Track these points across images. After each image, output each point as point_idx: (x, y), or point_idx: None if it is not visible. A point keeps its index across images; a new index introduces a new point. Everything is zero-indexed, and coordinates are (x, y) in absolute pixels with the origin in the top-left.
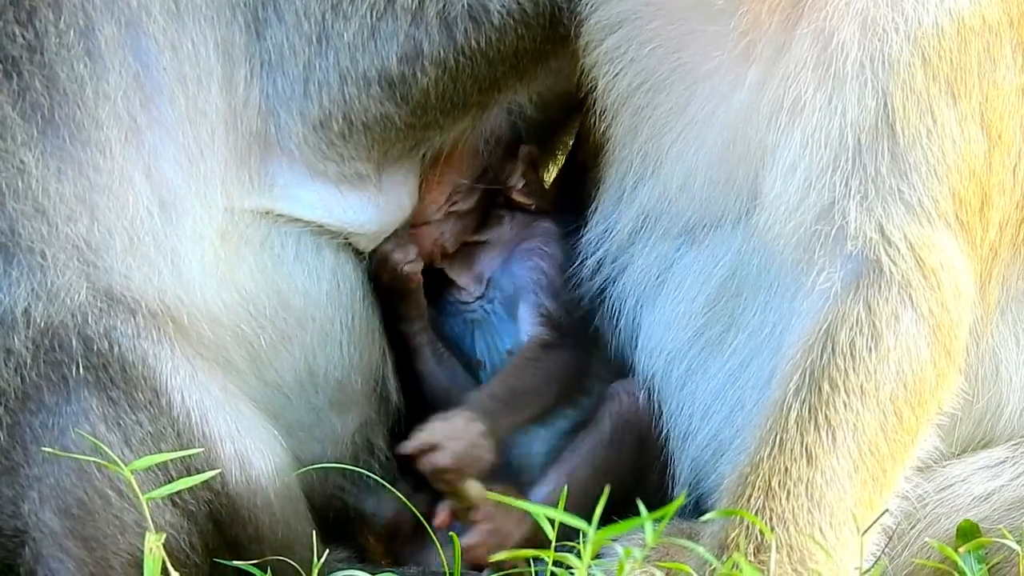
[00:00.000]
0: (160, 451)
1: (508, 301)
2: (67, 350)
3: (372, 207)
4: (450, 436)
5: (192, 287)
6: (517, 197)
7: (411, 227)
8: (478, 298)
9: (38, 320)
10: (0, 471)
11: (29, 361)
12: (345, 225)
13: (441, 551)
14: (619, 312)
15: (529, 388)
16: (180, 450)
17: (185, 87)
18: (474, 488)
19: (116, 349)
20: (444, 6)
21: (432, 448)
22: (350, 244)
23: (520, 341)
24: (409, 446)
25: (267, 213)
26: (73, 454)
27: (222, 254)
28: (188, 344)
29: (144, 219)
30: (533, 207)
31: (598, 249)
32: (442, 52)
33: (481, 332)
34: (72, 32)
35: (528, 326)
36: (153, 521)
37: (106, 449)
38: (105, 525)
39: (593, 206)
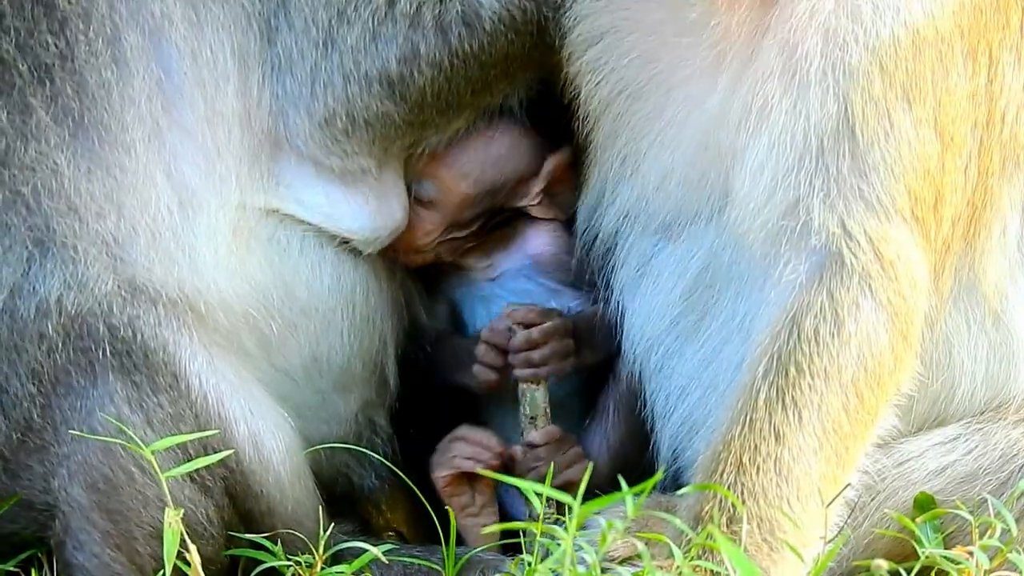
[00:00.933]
0: (179, 431)
1: (516, 296)
2: (94, 337)
3: (366, 214)
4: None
5: (207, 278)
6: (537, 213)
7: (404, 248)
8: (490, 280)
9: (69, 308)
10: (32, 449)
11: (60, 346)
12: (341, 230)
13: (438, 525)
14: (610, 303)
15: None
16: (198, 430)
17: (204, 91)
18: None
19: (139, 337)
20: (440, 12)
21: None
22: (350, 243)
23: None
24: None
25: (274, 211)
26: (99, 435)
27: (234, 248)
28: (205, 332)
29: (164, 216)
30: (554, 218)
31: (585, 245)
32: (437, 54)
33: (484, 307)
34: (100, 40)
35: (567, 298)
36: (173, 496)
37: (129, 431)
38: (129, 499)
39: (586, 206)
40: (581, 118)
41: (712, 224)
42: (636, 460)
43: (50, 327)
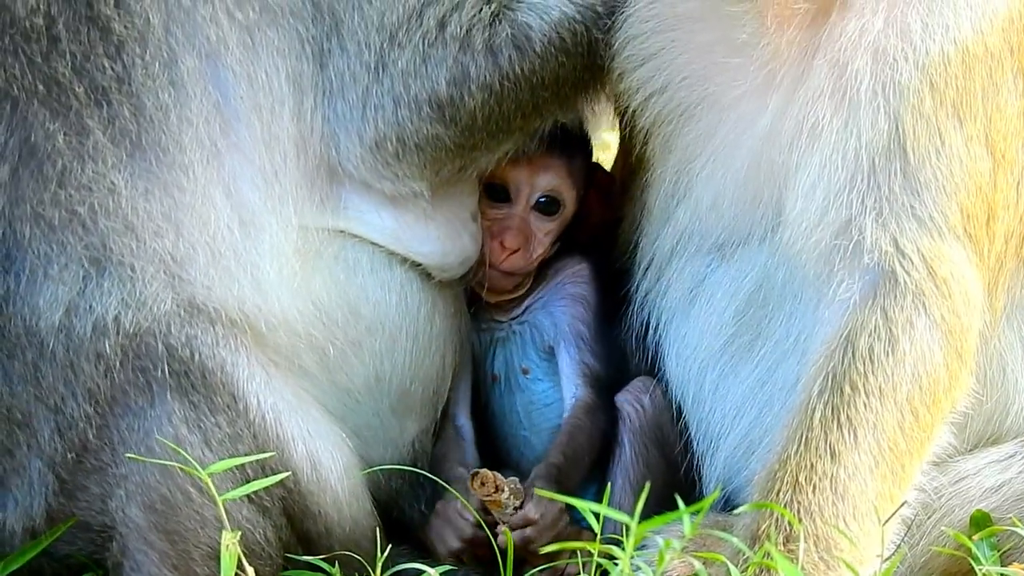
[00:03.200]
0: (237, 451)
1: (539, 333)
2: (152, 357)
3: (434, 238)
4: (544, 520)
5: (269, 297)
6: (581, 233)
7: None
8: (511, 319)
9: (127, 327)
10: (89, 470)
11: (118, 366)
12: (411, 252)
13: (497, 550)
14: (656, 324)
15: (583, 452)
16: (256, 450)
17: (260, 114)
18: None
19: (197, 356)
20: (490, 35)
21: (527, 524)
22: (421, 266)
23: (544, 374)
24: (512, 521)
25: (342, 232)
26: (157, 456)
27: (297, 267)
28: (263, 352)
29: (225, 235)
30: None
31: (645, 267)
32: (488, 77)
33: (502, 349)
34: (157, 64)
35: (572, 385)
36: (231, 517)
37: (186, 452)
38: (187, 520)
39: (637, 227)
40: (634, 135)
41: (765, 244)
42: (664, 491)
43: (107, 346)
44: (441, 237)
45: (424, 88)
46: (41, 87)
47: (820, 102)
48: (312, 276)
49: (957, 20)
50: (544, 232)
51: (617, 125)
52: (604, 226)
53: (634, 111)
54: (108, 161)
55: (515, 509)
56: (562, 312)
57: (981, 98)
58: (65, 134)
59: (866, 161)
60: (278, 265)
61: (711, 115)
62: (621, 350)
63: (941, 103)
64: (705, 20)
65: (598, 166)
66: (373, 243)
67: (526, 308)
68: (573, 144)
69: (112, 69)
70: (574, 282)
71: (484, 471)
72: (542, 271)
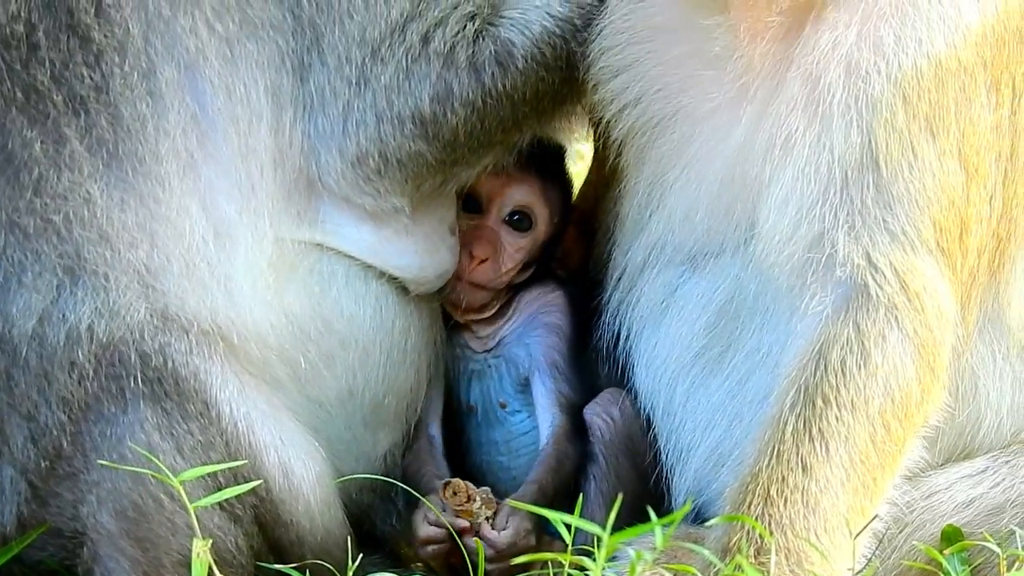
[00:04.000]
0: (210, 459)
1: (514, 366)
2: (125, 365)
3: (412, 252)
4: (516, 531)
5: (242, 310)
6: (557, 268)
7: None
8: (485, 351)
9: (100, 336)
10: (61, 476)
11: (91, 374)
12: (389, 267)
13: (468, 560)
14: (628, 335)
15: (562, 481)
16: (228, 458)
17: (238, 127)
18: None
19: (170, 364)
20: (473, 52)
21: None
22: (397, 280)
23: (522, 405)
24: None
25: (318, 245)
26: (129, 463)
27: (271, 280)
28: (236, 361)
29: (199, 247)
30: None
31: (618, 277)
32: (471, 94)
33: (478, 381)
34: (136, 74)
35: (548, 414)
36: (202, 524)
37: (159, 459)
38: (158, 527)
39: (611, 238)
40: (608, 146)
41: (738, 256)
42: (635, 503)
43: (80, 355)
44: (419, 251)
45: (407, 104)
46: (20, 94)
47: (793, 115)
48: (286, 288)
49: (930, 34)
50: (515, 248)
51: (591, 136)
52: (582, 264)
53: (608, 122)
54: (84, 170)
55: (487, 519)
56: (537, 343)
57: (954, 112)
58: (42, 142)
59: (839, 174)
60: (252, 278)
61: (685, 127)
62: (594, 375)
63: (914, 117)
64: (679, 32)
65: (576, 207)
66: (349, 256)
67: (500, 340)
68: (550, 167)
69: (91, 78)
70: (548, 311)
71: (456, 481)
72: (516, 300)
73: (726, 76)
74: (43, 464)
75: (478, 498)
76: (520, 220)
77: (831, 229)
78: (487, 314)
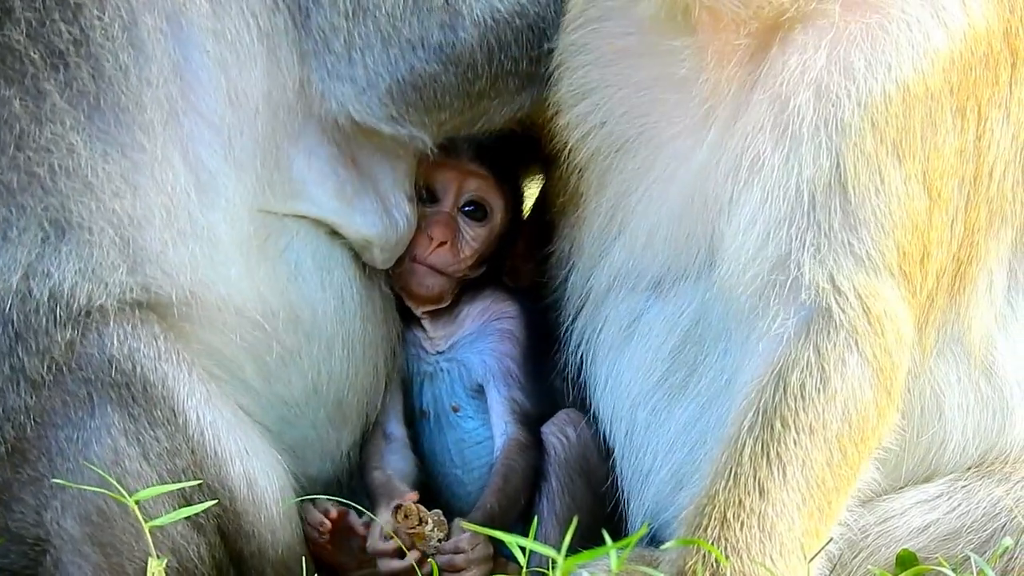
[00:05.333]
0: (175, 466)
1: (467, 371)
2: (94, 369)
3: (373, 213)
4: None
5: (221, 269)
6: (507, 279)
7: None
8: (438, 353)
9: (81, 299)
10: (25, 481)
11: (62, 368)
12: (355, 228)
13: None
14: (590, 360)
15: (518, 493)
16: (194, 466)
17: (227, 72)
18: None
19: (139, 369)
20: None
21: (456, 552)
22: (356, 264)
23: (475, 412)
24: (445, 547)
25: (288, 215)
26: (96, 465)
27: (251, 234)
28: (205, 362)
29: (182, 198)
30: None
31: (579, 304)
32: (480, 10)
33: (430, 384)
34: (116, 25)
35: (502, 422)
36: (165, 532)
37: (124, 464)
38: (121, 533)
39: (568, 263)
40: (568, 171)
41: (701, 280)
42: (590, 524)
43: (60, 321)
44: (379, 211)
45: (414, 28)
46: None
47: (760, 136)
48: (259, 265)
49: (899, 59)
50: (472, 236)
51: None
52: (531, 279)
53: (572, 147)
54: (66, 123)
55: (439, 541)
56: (491, 350)
57: (920, 137)
58: (21, 99)
59: (807, 196)
60: (232, 234)
61: (648, 150)
62: (550, 387)
63: (882, 141)
64: (644, 56)
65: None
66: (317, 235)
67: (453, 344)
68: (502, 164)
69: (69, 32)
70: (501, 319)
71: (408, 504)
72: (469, 306)
73: (691, 100)
74: (3, 450)
75: (430, 520)
76: (475, 210)
77: (797, 251)
78: (442, 305)
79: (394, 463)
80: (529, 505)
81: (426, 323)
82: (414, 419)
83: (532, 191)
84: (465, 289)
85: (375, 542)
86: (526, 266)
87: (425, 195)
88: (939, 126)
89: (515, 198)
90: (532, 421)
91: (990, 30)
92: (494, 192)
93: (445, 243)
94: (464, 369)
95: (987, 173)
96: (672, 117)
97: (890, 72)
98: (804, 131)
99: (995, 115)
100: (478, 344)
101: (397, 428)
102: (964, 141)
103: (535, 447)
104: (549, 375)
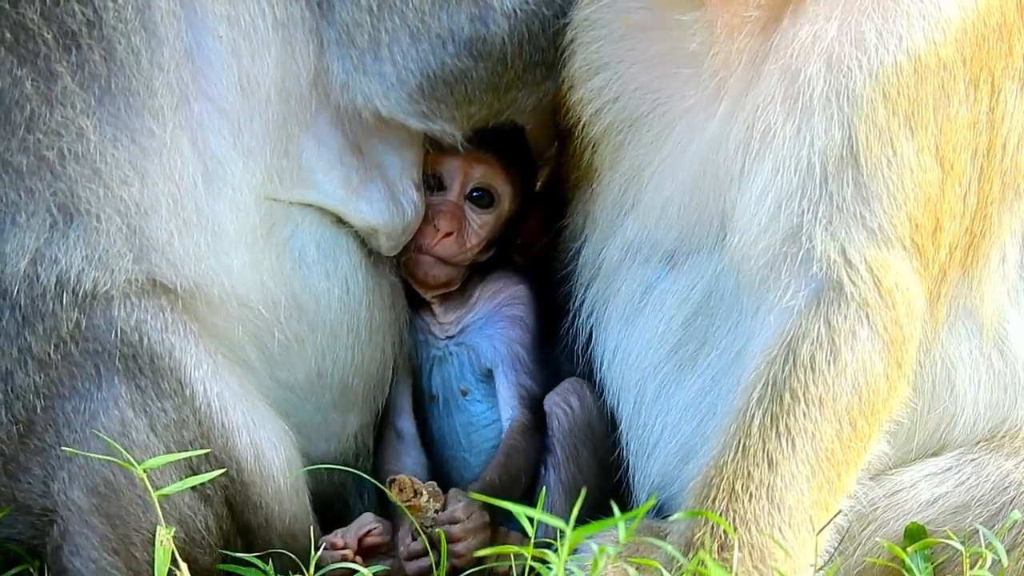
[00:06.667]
0: (182, 438)
1: (476, 355)
2: (101, 340)
3: (380, 201)
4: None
5: (225, 259)
6: (517, 257)
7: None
8: (448, 337)
9: (87, 287)
10: (32, 451)
11: (69, 342)
12: (361, 215)
13: (430, 549)
14: (600, 332)
15: (519, 472)
16: (200, 438)
17: (239, 59)
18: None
19: (146, 341)
20: None
21: (452, 523)
22: (363, 251)
23: (483, 396)
24: (441, 518)
25: (293, 204)
26: (104, 435)
27: (257, 224)
28: (210, 340)
29: (189, 187)
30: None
31: (591, 276)
32: (511, 4)
33: (439, 369)
34: (129, 7)
35: (508, 407)
36: (172, 504)
37: (132, 436)
38: (129, 504)
39: (581, 237)
40: (582, 146)
41: (715, 253)
42: (596, 493)
43: (65, 309)
44: (386, 199)
45: (443, 22)
46: (8, 34)
47: (771, 108)
48: (264, 254)
49: (911, 30)
50: (479, 224)
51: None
52: (544, 255)
53: (585, 122)
54: (77, 106)
55: (436, 512)
56: (500, 335)
57: (932, 109)
58: (33, 80)
59: (818, 169)
60: (238, 224)
61: (660, 125)
62: (557, 366)
63: (894, 113)
64: (655, 30)
65: (539, 195)
66: (323, 225)
67: (463, 328)
68: (510, 147)
69: (83, 13)
70: (512, 304)
71: (401, 477)
72: (479, 289)
73: (703, 73)
74: (14, 430)
75: (424, 492)
76: (482, 196)
77: (809, 224)
78: (451, 289)
79: (409, 465)
80: (532, 487)
81: (436, 307)
82: (423, 403)
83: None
84: (475, 270)
85: (408, 544)
86: (538, 245)
87: (432, 183)
88: (952, 97)
89: (524, 175)
90: (539, 405)
91: (1004, 0)
92: (501, 178)
93: (451, 233)
94: (473, 353)
95: (1000, 145)
96: (684, 91)
97: (901, 43)
98: (815, 102)
99: (1009, 87)
100: (488, 329)
101: (407, 423)
102: (977, 113)
103: (540, 430)
104: (558, 356)
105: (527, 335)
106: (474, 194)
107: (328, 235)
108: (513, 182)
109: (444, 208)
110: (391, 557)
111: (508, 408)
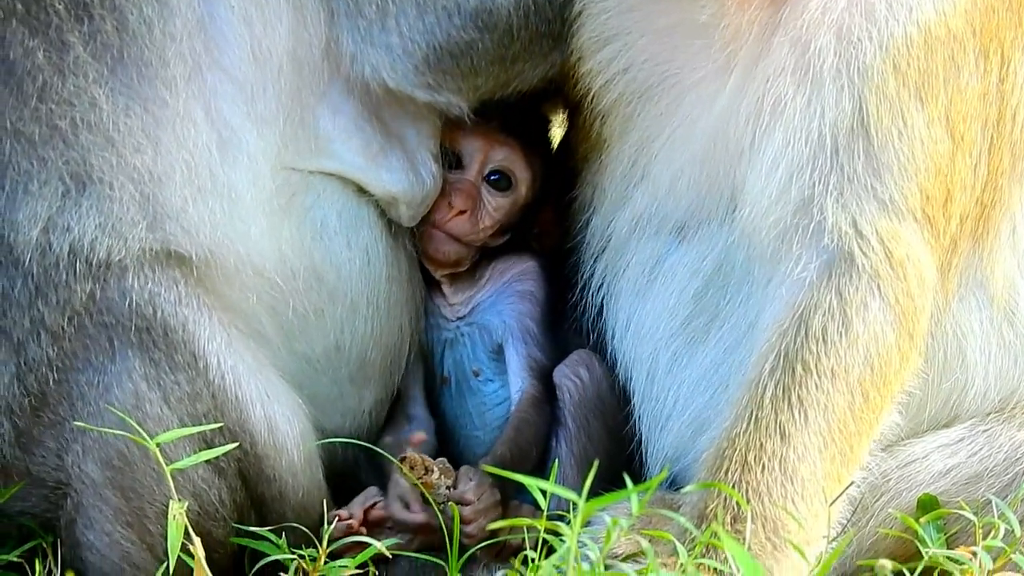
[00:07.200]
0: (196, 411)
1: (487, 333)
2: (115, 313)
3: (399, 170)
4: (479, 505)
5: (240, 227)
6: (534, 243)
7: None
8: (458, 318)
9: (101, 255)
10: (46, 425)
11: (83, 314)
12: (381, 184)
13: (443, 524)
14: (611, 305)
15: (529, 445)
16: (215, 411)
17: (252, 29)
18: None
19: (159, 314)
20: None
21: (463, 502)
22: (383, 222)
23: (495, 374)
24: (453, 495)
25: (313, 173)
26: (117, 409)
27: (270, 204)
28: (224, 313)
29: (203, 155)
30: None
31: (601, 248)
32: None
33: (451, 351)
34: None
35: (519, 379)
36: (186, 476)
37: (146, 409)
38: (143, 477)
39: (591, 208)
40: (591, 118)
41: (725, 225)
42: (607, 463)
43: (78, 279)
44: (406, 168)
45: None
46: (19, 5)
47: (782, 79)
48: (283, 223)
49: (920, 1)
50: (493, 207)
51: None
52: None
53: (594, 93)
54: (89, 75)
55: (448, 488)
56: (510, 310)
57: (943, 80)
58: (45, 50)
59: (829, 140)
60: (253, 192)
61: (670, 96)
62: (566, 339)
63: (904, 84)
64: (665, 2)
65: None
66: (344, 194)
67: (473, 308)
68: (533, 134)
69: None
70: (522, 280)
71: (412, 455)
72: (489, 268)
73: (713, 45)
74: (27, 403)
75: (435, 469)
76: (500, 179)
77: (819, 195)
78: (460, 269)
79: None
80: (543, 460)
81: (445, 287)
82: (434, 386)
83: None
84: (485, 254)
85: (400, 512)
86: (556, 232)
87: (451, 160)
88: (962, 69)
89: (543, 163)
90: (549, 378)
91: None
92: (521, 163)
93: (465, 212)
94: (485, 331)
95: (1011, 116)
96: (694, 63)
97: (911, 14)
98: (826, 74)
99: (1019, 58)
100: (498, 305)
101: (420, 410)
102: (987, 84)
103: (550, 402)
104: (567, 330)
105: (537, 308)
106: (492, 177)
107: (350, 205)
108: (532, 169)
109: (461, 186)
110: (398, 531)
111: (518, 380)
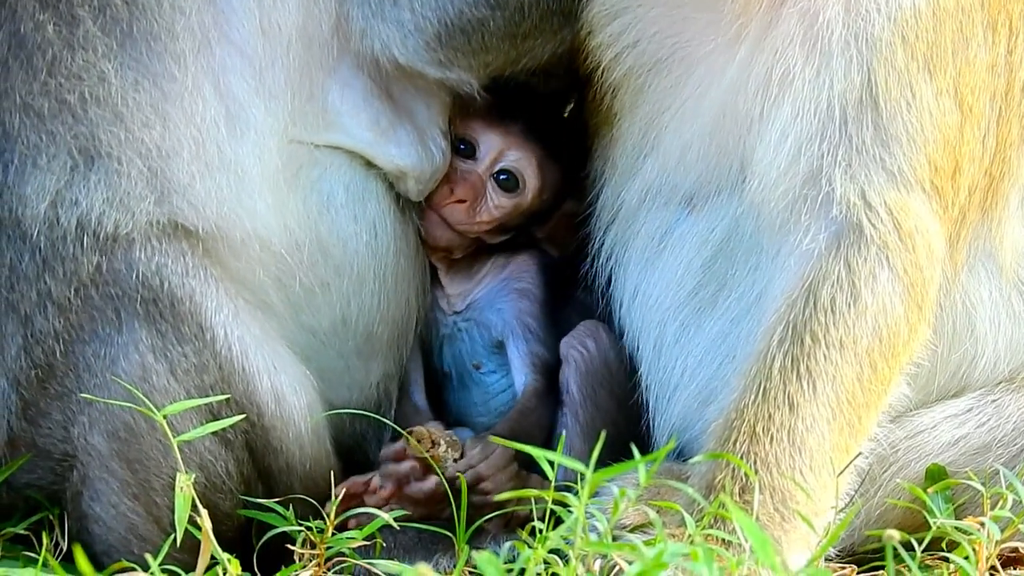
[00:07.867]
0: (203, 382)
1: (486, 329)
2: (121, 284)
3: (408, 144)
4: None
5: (248, 202)
6: (543, 245)
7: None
8: (455, 313)
9: (108, 229)
10: (52, 396)
11: (89, 285)
12: (390, 158)
13: (451, 496)
14: (618, 274)
15: (530, 431)
16: (221, 382)
17: (260, 3)
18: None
19: (166, 285)
20: None
21: (470, 469)
22: (391, 196)
23: (496, 366)
24: (459, 466)
25: (321, 147)
26: (124, 380)
27: (278, 177)
28: (231, 284)
29: (211, 130)
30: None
31: (610, 219)
32: None
33: (449, 346)
34: None
35: (521, 375)
36: (193, 448)
37: (152, 380)
38: (149, 449)
39: (601, 181)
40: (602, 91)
41: (734, 196)
42: (614, 434)
43: (85, 252)
44: (414, 142)
45: None
46: None
47: (790, 50)
48: (289, 197)
49: None
50: (495, 204)
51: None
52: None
53: (604, 67)
54: (99, 50)
55: (455, 461)
56: (509, 307)
57: (951, 52)
58: (55, 24)
59: (838, 111)
60: (260, 167)
61: (680, 69)
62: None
63: (912, 56)
64: None
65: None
66: (352, 167)
67: (470, 304)
68: (553, 141)
69: None
70: (519, 277)
71: (418, 428)
72: (489, 261)
73: (722, 17)
74: (34, 375)
75: (443, 441)
76: (508, 180)
77: (828, 166)
78: (453, 256)
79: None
80: (547, 446)
81: (442, 275)
82: (436, 380)
83: None
84: (484, 249)
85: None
86: (569, 237)
87: (463, 147)
88: (970, 40)
89: (560, 182)
90: (552, 372)
91: None
92: (534, 170)
93: (465, 202)
94: (483, 327)
95: (1019, 88)
96: (704, 35)
97: None
98: (834, 45)
99: None
100: (496, 303)
101: (420, 398)
102: (995, 55)
103: (553, 396)
104: (577, 295)
105: (535, 305)
106: (501, 175)
107: (357, 178)
108: (544, 179)
109: (467, 176)
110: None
111: (521, 375)
